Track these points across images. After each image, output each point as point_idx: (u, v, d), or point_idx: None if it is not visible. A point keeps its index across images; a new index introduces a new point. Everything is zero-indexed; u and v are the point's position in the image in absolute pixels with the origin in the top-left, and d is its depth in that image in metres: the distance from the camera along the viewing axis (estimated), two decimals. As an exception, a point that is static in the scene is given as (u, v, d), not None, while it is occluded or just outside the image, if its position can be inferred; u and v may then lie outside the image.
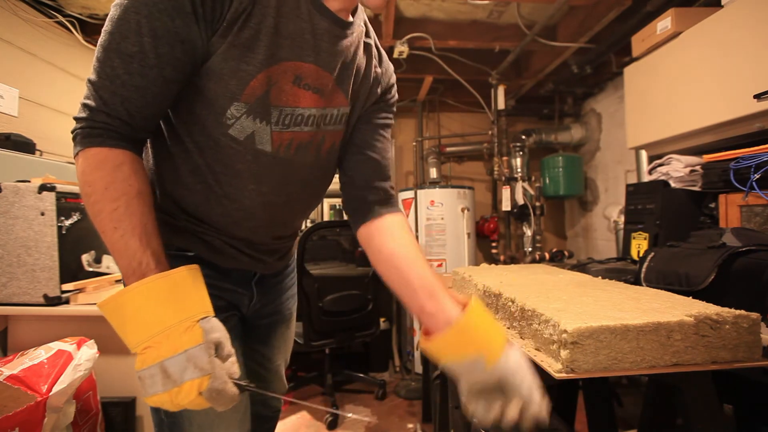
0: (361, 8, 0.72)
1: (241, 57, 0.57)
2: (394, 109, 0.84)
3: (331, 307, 2.19)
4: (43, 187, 1.36)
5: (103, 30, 0.54)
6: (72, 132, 0.57)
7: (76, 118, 0.56)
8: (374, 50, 0.77)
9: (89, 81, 0.55)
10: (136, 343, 0.52)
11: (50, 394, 1.07)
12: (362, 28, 0.73)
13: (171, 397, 0.51)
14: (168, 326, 0.51)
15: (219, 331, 0.54)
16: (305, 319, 2.14)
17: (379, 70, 0.78)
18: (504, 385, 0.57)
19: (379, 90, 0.79)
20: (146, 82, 0.54)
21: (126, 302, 0.53)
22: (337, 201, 3.41)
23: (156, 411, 0.72)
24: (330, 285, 2.23)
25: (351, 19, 0.68)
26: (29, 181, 1.40)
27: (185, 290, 0.55)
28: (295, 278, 1.03)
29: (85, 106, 0.55)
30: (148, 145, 0.69)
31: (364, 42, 0.74)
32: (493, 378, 0.57)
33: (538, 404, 0.57)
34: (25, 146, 1.75)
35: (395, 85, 0.84)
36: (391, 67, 0.83)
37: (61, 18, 2.11)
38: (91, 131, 0.55)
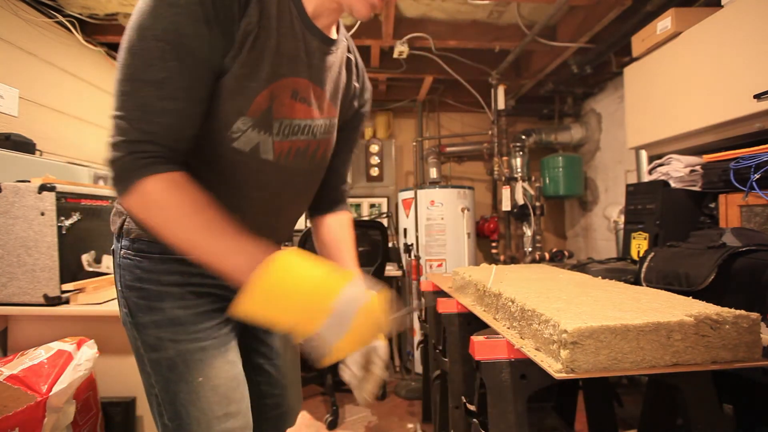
0: (341, 23, 0.79)
1: (248, 75, 0.61)
2: (366, 117, 0.96)
3: (331, 307, 2.18)
4: (43, 187, 1.36)
5: (120, 63, 0.55)
6: (113, 169, 0.56)
7: (113, 158, 0.56)
8: (354, 66, 0.85)
9: (118, 116, 0.55)
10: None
11: (50, 394, 1.07)
12: (345, 44, 0.80)
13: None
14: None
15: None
16: (305, 319, 2.14)
17: (357, 84, 0.86)
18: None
19: (356, 103, 0.88)
20: (180, 105, 0.56)
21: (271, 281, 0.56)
22: (337, 201, 3.41)
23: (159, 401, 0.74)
24: (330, 285, 2.23)
25: (336, 35, 0.75)
26: (29, 181, 1.40)
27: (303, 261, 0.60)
28: None
29: (122, 142, 0.55)
30: None
31: (347, 57, 0.82)
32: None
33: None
34: (25, 146, 1.75)
35: (370, 98, 0.95)
36: (368, 81, 0.93)
37: (61, 18, 2.11)
38: (137, 162, 0.55)
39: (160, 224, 0.57)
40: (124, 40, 0.54)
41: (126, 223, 0.73)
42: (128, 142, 0.55)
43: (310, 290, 0.56)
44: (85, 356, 1.21)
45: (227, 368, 0.76)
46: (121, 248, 0.73)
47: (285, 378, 0.96)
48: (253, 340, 0.91)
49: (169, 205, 0.56)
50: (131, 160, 0.55)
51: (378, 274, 2.36)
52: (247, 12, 0.58)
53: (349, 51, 0.83)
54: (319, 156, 0.80)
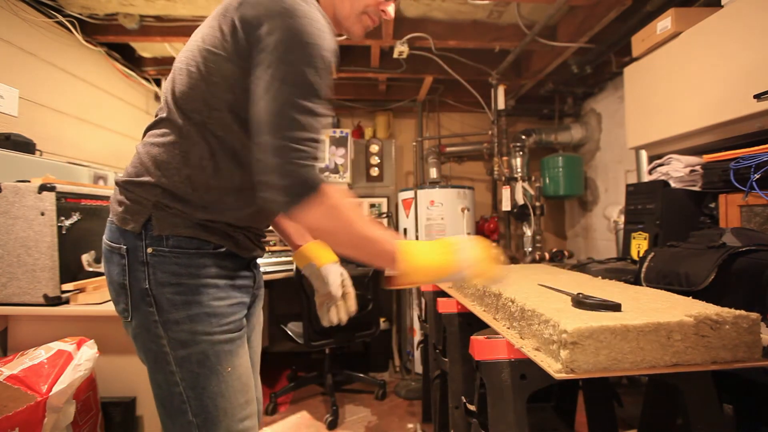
0: None
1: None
2: None
3: (331, 307, 2.19)
4: (43, 187, 1.36)
5: (299, 95, 0.67)
6: (298, 178, 0.67)
7: (299, 167, 0.67)
8: None
9: (308, 136, 0.67)
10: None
11: (50, 394, 1.07)
12: None
13: None
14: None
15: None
16: (305, 319, 2.15)
17: None
18: (323, 281, 1.00)
19: None
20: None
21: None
22: (337, 201, 3.41)
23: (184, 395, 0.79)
24: (330, 285, 2.23)
25: None
26: (29, 181, 1.40)
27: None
28: None
29: (313, 156, 0.68)
30: (224, 184, 0.77)
31: None
32: (321, 275, 1.01)
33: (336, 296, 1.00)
34: (25, 146, 1.75)
35: None
36: None
37: (61, 18, 2.11)
38: (317, 172, 0.69)
39: (349, 219, 0.70)
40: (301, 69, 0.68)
41: (154, 220, 0.73)
42: (316, 158, 0.68)
43: (439, 265, 0.77)
44: (85, 356, 1.21)
45: (246, 357, 0.84)
46: (147, 246, 0.74)
47: (252, 368, 1.02)
48: None
49: (346, 204, 0.70)
50: (312, 170, 0.67)
51: (378, 275, 2.36)
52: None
53: None
54: None
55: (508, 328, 0.92)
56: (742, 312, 0.72)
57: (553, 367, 0.69)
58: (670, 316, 0.72)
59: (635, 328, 0.69)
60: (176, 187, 0.74)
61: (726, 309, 0.74)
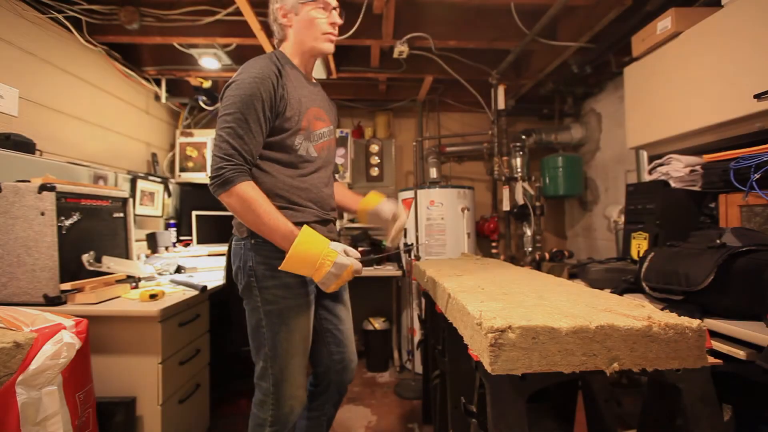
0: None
1: (294, 114, 1.18)
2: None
3: (331, 307, 2.19)
4: (43, 187, 1.36)
5: (228, 109, 1.09)
6: (219, 173, 1.05)
7: (221, 166, 1.05)
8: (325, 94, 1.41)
9: (227, 141, 1.07)
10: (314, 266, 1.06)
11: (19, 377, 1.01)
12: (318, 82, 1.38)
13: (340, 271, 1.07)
14: (323, 252, 1.06)
15: (340, 245, 1.11)
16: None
17: (332, 105, 1.44)
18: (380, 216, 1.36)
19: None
20: (260, 137, 1.12)
21: (299, 250, 1.05)
22: (337, 201, 3.41)
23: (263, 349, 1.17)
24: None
25: (314, 80, 1.35)
26: (29, 181, 1.40)
27: (315, 235, 1.09)
28: None
29: (227, 155, 1.06)
30: (268, 173, 1.17)
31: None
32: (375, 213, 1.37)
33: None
34: (25, 146, 1.76)
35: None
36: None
37: (61, 18, 2.11)
38: (238, 171, 1.06)
39: (249, 210, 1.05)
40: (229, 98, 1.10)
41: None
42: (235, 156, 1.07)
43: (315, 259, 1.05)
44: (64, 347, 1.16)
45: (308, 321, 1.22)
46: (253, 240, 1.15)
47: (347, 339, 1.38)
48: (325, 312, 1.34)
49: (255, 199, 1.06)
50: (233, 168, 1.05)
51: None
52: (279, 85, 1.14)
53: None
54: (333, 147, 1.37)
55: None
56: (685, 319, 0.73)
57: (490, 364, 0.70)
58: (672, 317, 0.72)
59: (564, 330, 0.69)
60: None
61: (669, 314, 0.74)
